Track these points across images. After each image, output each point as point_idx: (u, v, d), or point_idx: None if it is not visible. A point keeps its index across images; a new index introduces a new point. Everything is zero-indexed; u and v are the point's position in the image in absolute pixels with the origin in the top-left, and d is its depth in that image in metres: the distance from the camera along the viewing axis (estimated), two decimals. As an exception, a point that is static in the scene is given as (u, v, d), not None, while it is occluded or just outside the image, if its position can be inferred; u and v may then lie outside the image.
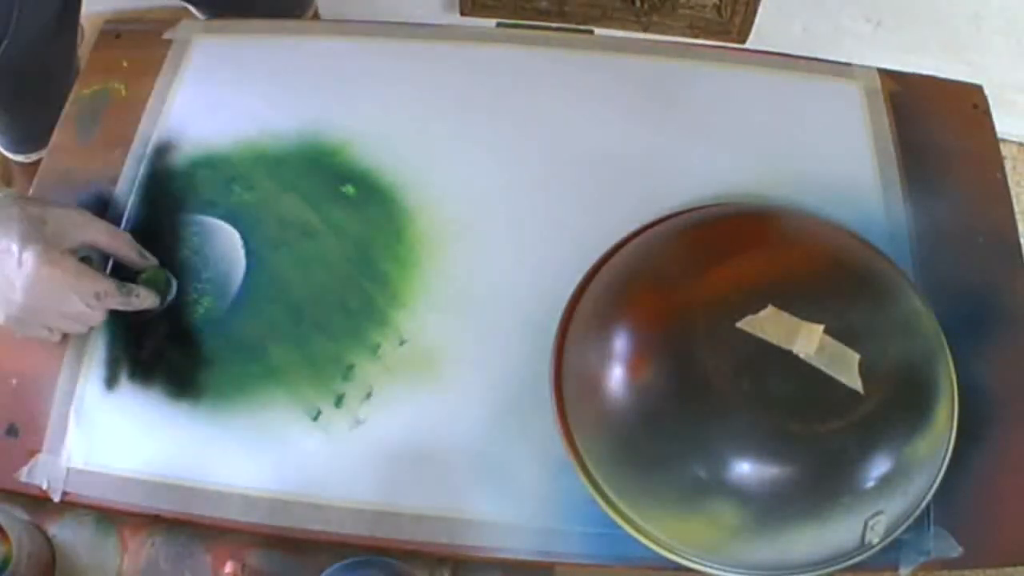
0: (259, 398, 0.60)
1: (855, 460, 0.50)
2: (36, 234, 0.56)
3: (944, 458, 0.55)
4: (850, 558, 0.52)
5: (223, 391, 0.60)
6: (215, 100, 0.71)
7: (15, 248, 0.55)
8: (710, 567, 0.53)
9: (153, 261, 0.63)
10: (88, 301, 0.58)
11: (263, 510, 0.57)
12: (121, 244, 0.62)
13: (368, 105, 0.71)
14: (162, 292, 0.62)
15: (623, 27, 1.00)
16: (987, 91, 0.73)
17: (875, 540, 0.51)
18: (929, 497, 0.54)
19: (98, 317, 0.60)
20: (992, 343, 0.61)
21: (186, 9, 0.95)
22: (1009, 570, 0.58)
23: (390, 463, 0.58)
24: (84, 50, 0.81)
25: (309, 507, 0.57)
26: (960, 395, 0.57)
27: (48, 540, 0.58)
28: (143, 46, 0.74)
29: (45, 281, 0.56)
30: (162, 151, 0.69)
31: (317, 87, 0.72)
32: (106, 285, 0.58)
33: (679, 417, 0.52)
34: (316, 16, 1.02)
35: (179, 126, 0.69)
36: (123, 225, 0.66)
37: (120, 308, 0.60)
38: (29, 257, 0.55)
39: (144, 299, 0.60)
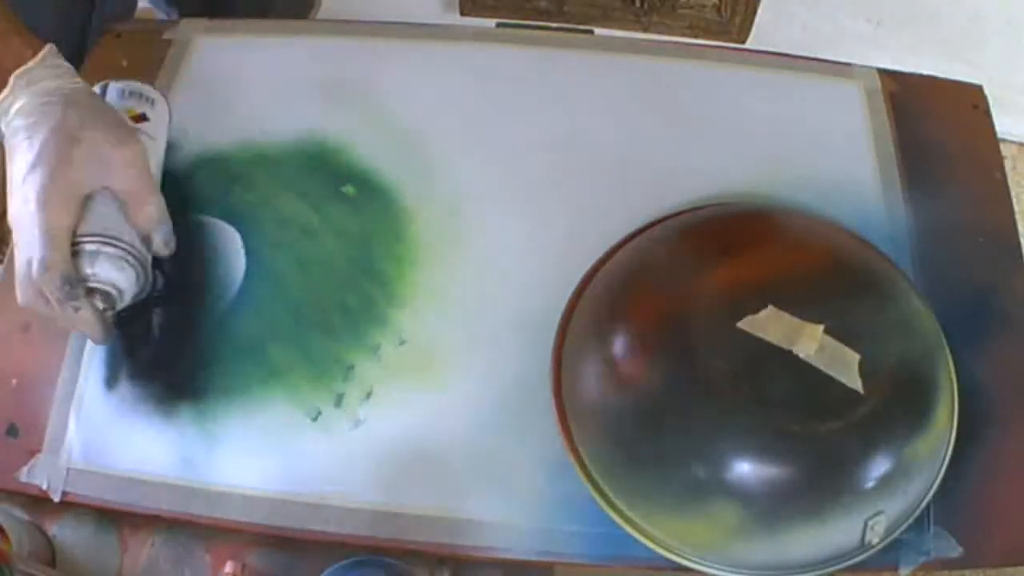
0: (259, 398, 0.60)
1: (855, 460, 0.50)
2: (54, 157, 0.52)
3: (944, 458, 0.55)
4: (850, 558, 0.52)
5: (223, 391, 0.60)
6: (215, 100, 0.71)
7: (29, 161, 0.51)
8: (710, 567, 0.53)
9: (168, 250, 0.59)
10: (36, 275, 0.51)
11: (263, 510, 0.57)
12: (143, 212, 0.56)
13: (368, 105, 0.71)
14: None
15: (623, 27, 1.00)
16: (987, 91, 0.73)
17: (875, 540, 0.51)
18: (929, 497, 0.54)
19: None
20: (992, 343, 0.61)
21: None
22: (1009, 570, 0.58)
23: (390, 463, 0.58)
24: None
25: (309, 507, 0.57)
26: (960, 395, 0.57)
27: (48, 540, 0.58)
28: (143, 46, 0.74)
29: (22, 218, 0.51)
30: (162, 151, 0.69)
31: (317, 87, 0.72)
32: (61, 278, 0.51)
33: (679, 417, 0.52)
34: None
35: (179, 126, 0.69)
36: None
37: (53, 312, 0.53)
38: (33, 181, 0.51)
39: (81, 320, 0.53)
